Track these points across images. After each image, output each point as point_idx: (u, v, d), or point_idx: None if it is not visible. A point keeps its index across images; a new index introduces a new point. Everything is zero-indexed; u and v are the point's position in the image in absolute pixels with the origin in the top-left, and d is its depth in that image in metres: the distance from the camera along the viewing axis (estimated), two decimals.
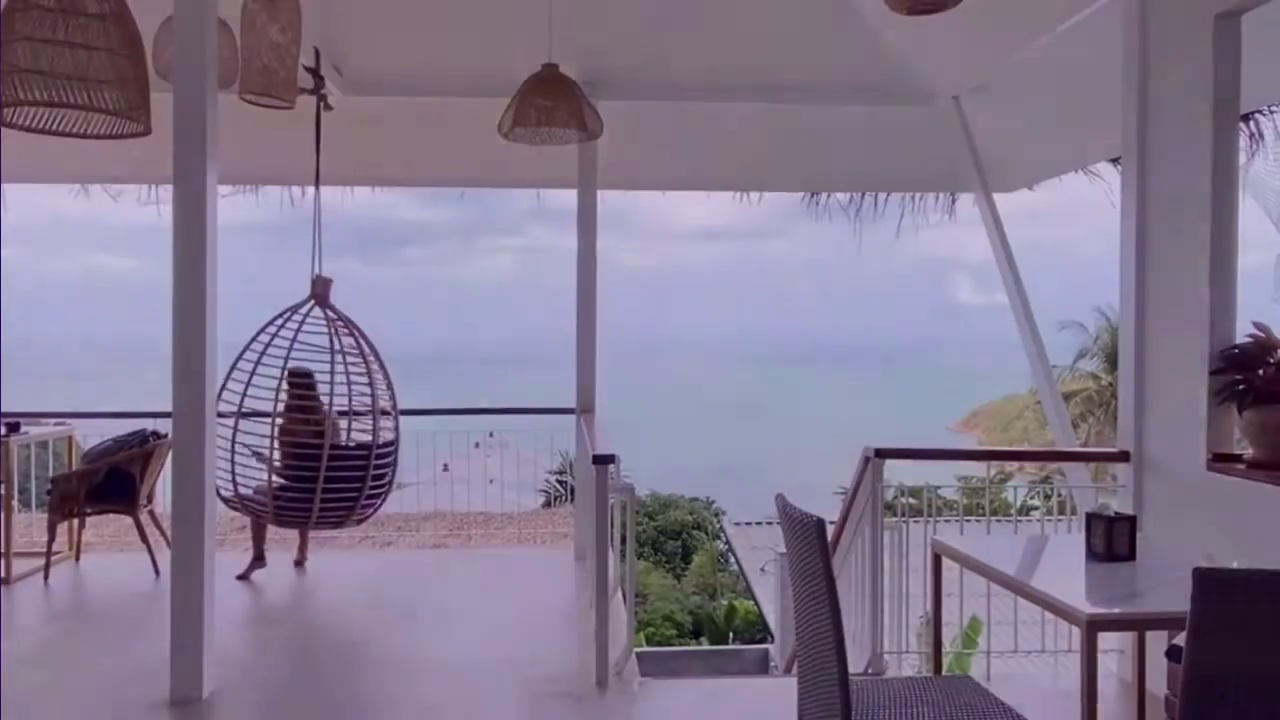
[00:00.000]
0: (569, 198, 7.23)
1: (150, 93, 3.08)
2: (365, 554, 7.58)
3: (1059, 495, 6.04)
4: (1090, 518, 3.04)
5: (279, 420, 5.94)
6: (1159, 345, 4.46)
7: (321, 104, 6.18)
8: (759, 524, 23.50)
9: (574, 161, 6.89)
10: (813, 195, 8.22)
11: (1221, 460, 4.03)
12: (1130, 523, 2.99)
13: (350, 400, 5.91)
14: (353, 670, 4.70)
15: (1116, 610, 2.57)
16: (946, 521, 5.30)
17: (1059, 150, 6.95)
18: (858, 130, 7.50)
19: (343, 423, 6.20)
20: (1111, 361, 30.63)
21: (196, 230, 4.15)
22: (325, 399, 5.99)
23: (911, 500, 5.41)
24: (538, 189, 8.18)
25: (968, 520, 5.92)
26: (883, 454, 4.70)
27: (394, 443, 6.23)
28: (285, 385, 5.93)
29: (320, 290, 6.13)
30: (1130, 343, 4.56)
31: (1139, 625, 2.86)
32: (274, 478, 5.93)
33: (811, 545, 2.60)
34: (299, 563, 6.80)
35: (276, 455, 5.96)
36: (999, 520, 5.31)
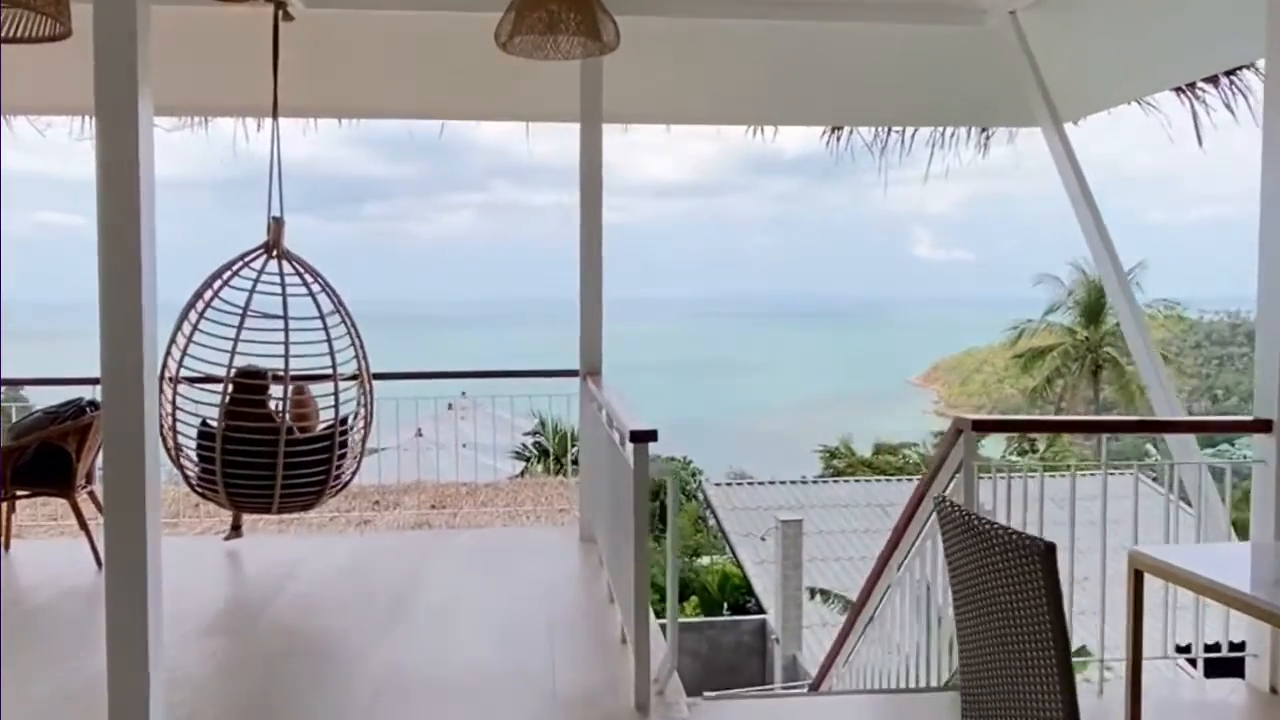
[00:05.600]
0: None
1: None
2: (342, 537, 6.71)
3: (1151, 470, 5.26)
4: None
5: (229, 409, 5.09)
6: None
7: (280, 13, 5.23)
8: (738, 484, 23.01)
9: (567, 91, 5.98)
10: (834, 131, 7.38)
11: None
12: None
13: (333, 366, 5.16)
14: (335, 688, 3.88)
15: None
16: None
17: (1122, 77, 6.17)
18: (892, 54, 6.63)
19: (316, 391, 5.35)
20: (1088, 316, 30.25)
21: (126, 159, 3.16)
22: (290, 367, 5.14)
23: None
24: (526, 122, 7.24)
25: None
26: (980, 426, 3.91)
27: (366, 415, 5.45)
28: (232, 386, 5.08)
29: (274, 235, 5.24)
30: (1273, 289, 3.79)
31: None
32: (222, 459, 5.08)
33: (1033, 577, 1.80)
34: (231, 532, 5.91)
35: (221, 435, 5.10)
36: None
